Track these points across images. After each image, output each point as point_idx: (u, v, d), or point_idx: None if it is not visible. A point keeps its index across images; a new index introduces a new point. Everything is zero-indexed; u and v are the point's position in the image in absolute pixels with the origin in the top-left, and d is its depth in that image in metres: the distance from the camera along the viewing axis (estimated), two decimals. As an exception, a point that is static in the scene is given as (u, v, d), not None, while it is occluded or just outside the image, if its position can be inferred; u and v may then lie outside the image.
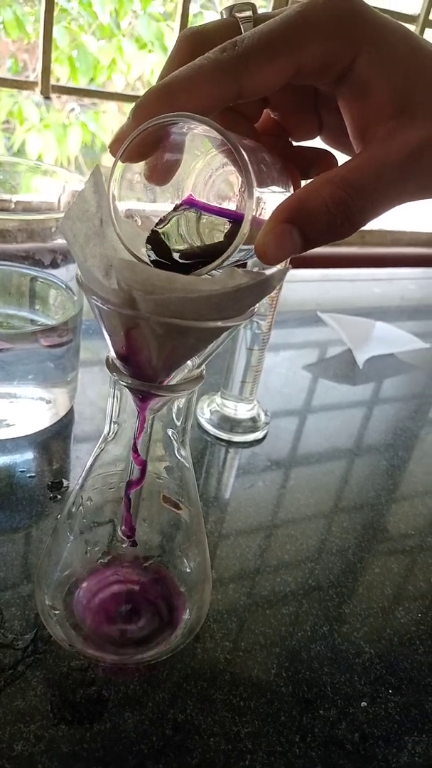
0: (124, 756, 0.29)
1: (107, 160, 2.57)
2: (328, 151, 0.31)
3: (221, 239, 0.26)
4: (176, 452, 0.31)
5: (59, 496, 0.43)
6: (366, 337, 0.70)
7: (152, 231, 0.27)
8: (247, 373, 0.50)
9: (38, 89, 0.66)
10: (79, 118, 2.19)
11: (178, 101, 0.24)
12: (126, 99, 1.06)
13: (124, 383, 0.27)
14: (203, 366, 0.28)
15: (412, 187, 0.25)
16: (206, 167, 0.28)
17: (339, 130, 0.28)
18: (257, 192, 0.23)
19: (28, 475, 0.44)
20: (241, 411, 0.52)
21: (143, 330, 0.24)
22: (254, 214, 0.23)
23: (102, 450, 0.31)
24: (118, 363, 0.27)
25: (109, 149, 0.26)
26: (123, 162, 0.24)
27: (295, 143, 0.31)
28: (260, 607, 0.38)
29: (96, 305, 0.24)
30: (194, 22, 0.99)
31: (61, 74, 2.08)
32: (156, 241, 0.26)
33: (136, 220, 0.26)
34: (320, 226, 0.24)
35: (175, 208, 0.27)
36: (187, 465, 0.32)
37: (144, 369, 0.26)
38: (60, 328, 0.46)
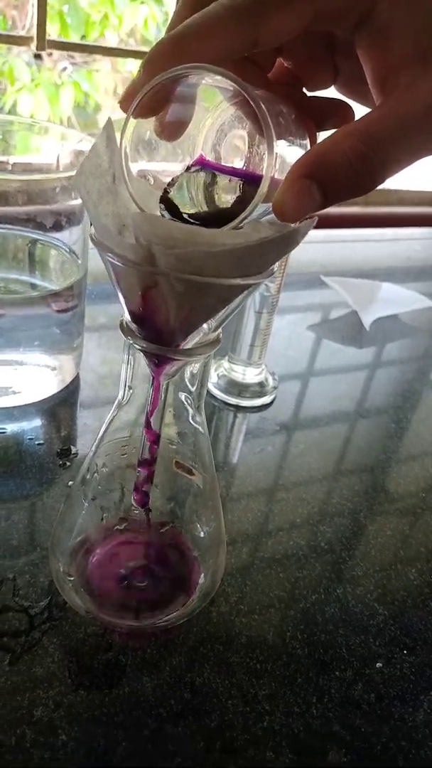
0: (144, 720, 0.29)
1: (101, 119, 2.51)
2: (344, 102, 0.29)
3: (231, 202, 0.25)
4: (191, 418, 0.31)
5: (68, 463, 0.42)
6: (371, 299, 0.69)
7: (164, 191, 0.25)
8: (255, 337, 0.49)
9: (33, 45, 0.64)
10: (71, 77, 2.13)
11: (191, 52, 0.22)
12: (122, 54, 1.03)
13: (139, 347, 0.26)
14: (219, 329, 0.27)
15: None
16: (217, 121, 0.27)
17: (355, 79, 0.27)
18: (276, 147, 0.22)
19: (36, 442, 0.44)
20: (250, 375, 0.52)
21: (162, 288, 0.23)
22: (274, 173, 0.22)
23: (115, 416, 0.31)
24: (132, 326, 0.26)
25: (119, 105, 0.24)
26: (135, 118, 0.23)
27: (309, 93, 0.30)
28: (273, 570, 0.38)
29: (112, 263, 0.23)
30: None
31: (51, 30, 2.01)
32: (169, 201, 0.25)
33: (148, 179, 0.25)
34: (341, 181, 0.23)
35: (187, 169, 0.26)
36: (202, 430, 0.32)
37: (160, 331, 0.25)
38: (65, 293, 0.44)
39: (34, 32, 0.65)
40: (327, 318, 0.69)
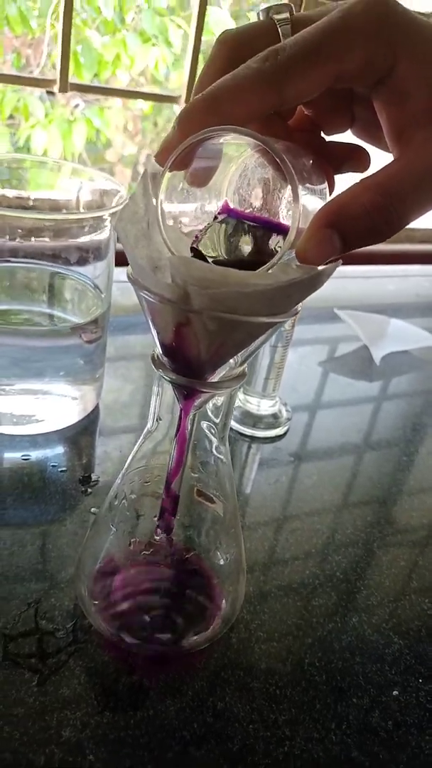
0: (168, 742, 0.30)
1: (111, 155, 2.56)
2: (361, 147, 0.31)
3: (248, 252, 0.27)
4: (214, 449, 0.32)
5: (90, 490, 0.44)
6: (381, 334, 0.70)
7: (194, 241, 0.27)
8: (270, 370, 0.51)
9: (56, 87, 0.67)
10: (84, 114, 2.19)
11: (222, 111, 0.24)
12: (138, 96, 1.06)
13: (168, 379, 0.28)
14: (245, 364, 0.29)
15: None
16: (241, 167, 0.29)
17: (371, 125, 0.29)
18: (301, 200, 0.24)
19: (59, 469, 0.45)
20: (264, 407, 0.53)
21: (194, 325, 0.24)
22: (299, 224, 0.24)
23: (143, 444, 0.32)
24: (163, 359, 0.28)
25: (155, 158, 0.26)
26: (170, 171, 0.25)
27: (327, 137, 0.32)
28: (290, 598, 0.39)
29: (147, 300, 0.25)
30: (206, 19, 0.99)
31: (66, 70, 2.07)
32: (197, 251, 0.27)
33: (180, 226, 0.27)
34: (360, 231, 0.25)
35: (214, 218, 0.28)
36: (225, 460, 0.33)
37: (190, 365, 0.27)
38: (90, 326, 0.46)
39: (47, 71, 0.67)
40: (338, 352, 0.71)
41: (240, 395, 0.54)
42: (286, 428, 0.54)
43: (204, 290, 0.23)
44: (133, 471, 0.33)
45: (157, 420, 0.31)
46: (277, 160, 0.23)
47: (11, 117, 2.21)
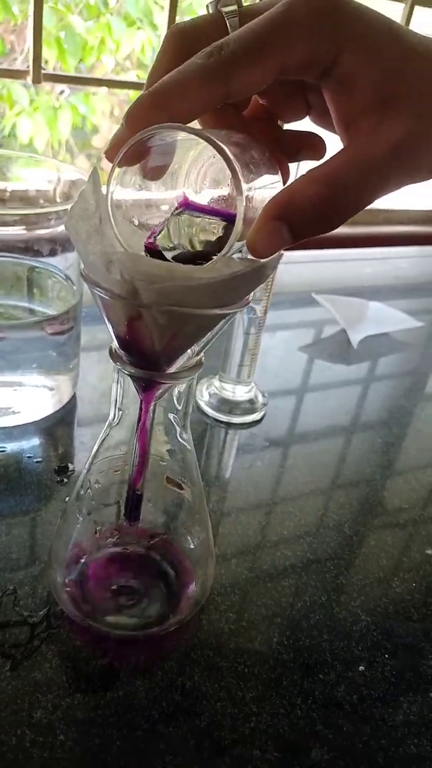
0: (137, 721, 0.31)
1: (97, 141, 2.55)
2: (316, 134, 0.31)
3: (210, 240, 0.28)
4: (178, 436, 0.33)
5: (66, 480, 0.44)
6: (360, 318, 0.71)
7: (149, 239, 0.28)
8: (244, 357, 0.52)
9: (29, 78, 0.66)
10: (68, 101, 2.18)
11: (169, 107, 0.25)
12: (115, 85, 1.06)
13: (126, 372, 0.28)
14: (202, 353, 0.29)
15: (395, 180, 0.26)
16: (198, 158, 0.29)
17: (326, 112, 0.29)
18: (245, 193, 0.24)
19: (35, 460, 0.46)
20: (239, 393, 0.54)
21: (145, 319, 0.25)
22: (243, 215, 0.24)
23: (107, 435, 0.33)
24: (120, 353, 0.28)
25: (105, 155, 0.27)
26: (119, 167, 0.26)
27: (284, 126, 0.32)
28: (262, 580, 0.40)
29: (99, 297, 0.26)
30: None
31: (49, 56, 2.05)
32: (153, 251, 0.28)
33: (133, 220, 0.27)
34: (308, 222, 0.25)
35: (173, 212, 0.28)
36: (189, 447, 0.34)
37: (146, 358, 0.27)
38: (62, 317, 0.47)
39: (31, 58, 0.67)
40: (316, 336, 0.71)
41: (215, 382, 0.55)
42: (262, 413, 0.55)
43: (151, 285, 0.23)
44: (99, 461, 0.33)
45: (118, 410, 0.32)
46: (220, 155, 0.24)
47: (-5, 105, 2.19)
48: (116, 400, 0.31)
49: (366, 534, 0.45)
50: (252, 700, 0.33)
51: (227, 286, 0.23)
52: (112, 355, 0.28)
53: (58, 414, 0.50)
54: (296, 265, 0.81)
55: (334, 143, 0.32)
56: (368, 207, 0.27)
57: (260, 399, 0.55)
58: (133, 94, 2.40)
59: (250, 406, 0.54)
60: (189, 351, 0.28)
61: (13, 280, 0.50)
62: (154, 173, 0.28)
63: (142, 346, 0.27)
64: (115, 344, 0.28)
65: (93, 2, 2.23)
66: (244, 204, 0.24)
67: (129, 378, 0.30)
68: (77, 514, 0.33)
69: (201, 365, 0.29)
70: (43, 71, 0.68)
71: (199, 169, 0.29)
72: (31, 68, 0.67)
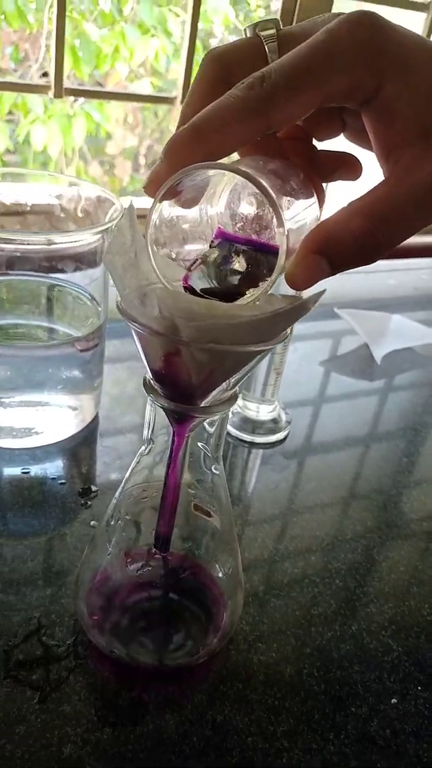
0: (168, 756, 0.31)
1: (111, 148, 2.55)
2: (352, 155, 0.31)
3: (241, 273, 0.27)
4: (210, 467, 0.32)
5: (89, 503, 0.44)
6: (383, 332, 0.70)
7: (187, 272, 0.27)
8: (269, 376, 0.51)
9: (51, 92, 0.66)
10: (83, 108, 2.18)
11: (209, 142, 0.24)
12: (135, 99, 1.06)
13: (160, 405, 0.28)
14: (236, 387, 0.29)
15: None
16: (232, 183, 0.29)
17: (362, 131, 0.28)
18: (287, 226, 0.24)
19: (59, 482, 0.45)
20: (263, 412, 0.53)
21: (183, 355, 0.25)
22: (286, 251, 0.24)
23: (138, 464, 0.32)
24: (155, 385, 0.28)
25: (144, 190, 0.26)
26: (160, 202, 0.25)
27: (318, 145, 0.32)
28: (290, 608, 0.39)
29: (136, 331, 0.25)
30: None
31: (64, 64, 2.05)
32: (190, 288, 0.27)
33: (171, 254, 0.27)
34: (348, 256, 0.25)
35: (210, 245, 0.28)
36: (219, 475, 0.33)
37: (182, 391, 0.27)
38: (87, 337, 0.46)
39: (46, 65, 0.67)
40: (339, 350, 0.71)
41: (239, 401, 0.54)
42: (286, 433, 0.54)
43: (191, 322, 0.23)
44: (129, 489, 0.33)
45: (151, 442, 0.31)
46: (264, 196, 0.23)
47: (10, 113, 2.20)
48: (149, 429, 0.31)
49: (396, 560, 0.44)
50: (283, 734, 0.32)
51: (269, 323, 0.23)
52: (146, 386, 0.28)
53: (81, 434, 0.50)
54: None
55: (369, 162, 0.31)
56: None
57: (284, 418, 0.54)
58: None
59: (274, 425, 0.54)
60: (224, 385, 0.28)
61: (35, 300, 0.50)
62: (190, 202, 0.27)
63: (179, 381, 0.26)
64: (149, 375, 0.28)
65: (107, 10, 2.25)
66: (286, 242, 0.23)
67: (160, 409, 0.30)
68: (106, 544, 0.33)
69: (236, 398, 0.29)
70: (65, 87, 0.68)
71: (231, 196, 0.29)
72: (52, 82, 0.67)
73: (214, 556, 0.35)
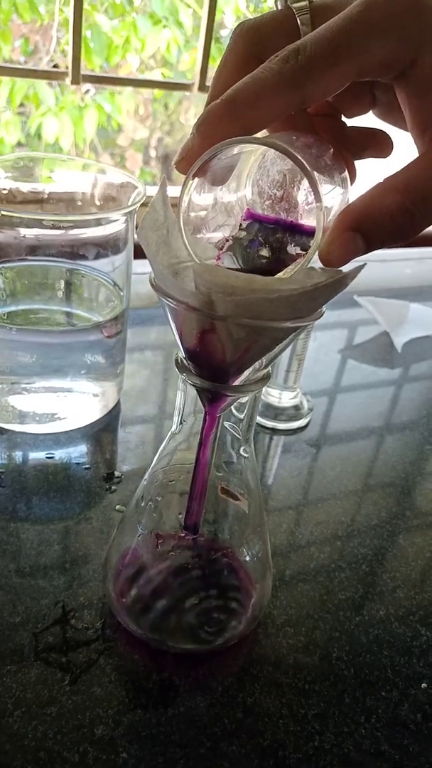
0: (199, 738, 0.31)
1: (122, 140, 2.54)
2: (383, 132, 0.30)
3: (266, 260, 0.27)
4: (240, 450, 0.32)
5: (114, 487, 0.44)
6: (402, 320, 0.70)
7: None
8: (291, 362, 0.51)
9: (68, 79, 0.66)
10: (94, 100, 2.18)
11: (243, 116, 0.24)
12: (152, 85, 1.05)
13: (192, 383, 0.28)
14: (269, 366, 0.29)
15: None
16: (260, 159, 0.29)
17: (393, 108, 0.28)
18: (324, 203, 0.24)
19: (83, 467, 0.45)
20: (285, 399, 0.53)
21: (219, 331, 0.24)
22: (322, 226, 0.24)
23: (168, 445, 0.32)
24: (187, 363, 0.28)
25: (176, 166, 0.26)
26: (193, 179, 0.25)
27: (348, 121, 0.31)
28: (317, 592, 0.39)
29: (170, 307, 0.25)
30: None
31: (76, 56, 2.05)
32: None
33: (201, 233, 0.27)
34: (384, 234, 0.24)
35: (240, 227, 0.28)
36: (249, 457, 0.33)
37: (215, 370, 0.27)
38: (110, 323, 0.46)
39: (57, 57, 0.66)
40: (358, 338, 0.70)
41: (261, 387, 0.54)
42: (308, 419, 0.54)
43: (229, 297, 0.23)
44: (159, 470, 0.33)
45: (181, 422, 0.31)
46: (302, 172, 0.23)
47: (22, 105, 2.20)
48: (180, 410, 0.31)
49: (421, 545, 0.44)
50: (314, 717, 0.32)
51: (308, 297, 0.23)
52: (178, 365, 0.28)
53: (103, 420, 0.50)
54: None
55: (400, 140, 0.31)
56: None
57: (306, 405, 0.54)
58: (158, 92, 2.39)
59: (296, 412, 0.53)
60: (256, 364, 0.28)
61: (57, 285, 0.50)
62: (219, 181, 0.27)
63: (213, 359, 0.26)
64: (181, 354, 0.28)
65: (119, 1, 2.23)
66: (324, 216, 0.23)
67: (192, 389, 0.29)
68: (137, 526, 0.33)
69: (269, 378, 0.29)
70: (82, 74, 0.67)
71: (260, 172, 0.29)
72: (70, 69, 0.67)
73: (243, 540, 0.35)
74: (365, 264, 0.24)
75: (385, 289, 0.78)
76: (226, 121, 0.24)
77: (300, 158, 0.23)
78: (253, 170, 0.29)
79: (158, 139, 2.66)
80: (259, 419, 0.52)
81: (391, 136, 0.31)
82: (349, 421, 0.56)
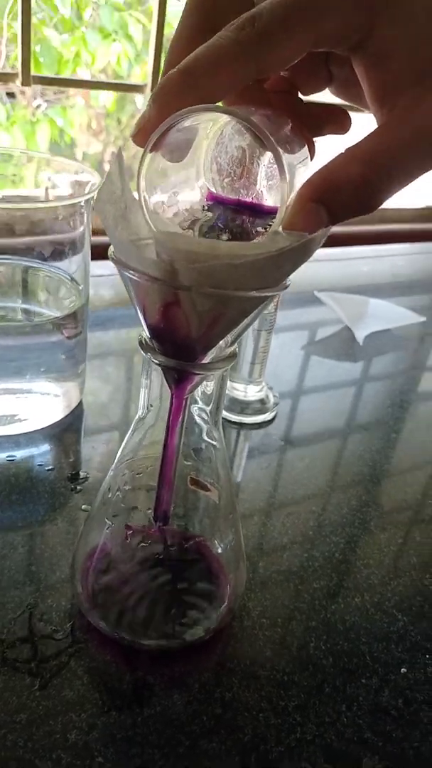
0: (177, 737, 0.29)
1: (76, 154, 2.52)
2: (341, 108, 0.30)
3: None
4: (206, 434, 0.31)
5: (79, 487, 0.43)
6: (362, 314, 0.70)
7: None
8: (255, 355, 0.50)
9: (18, 81, 0.65)
10: (46, 114, 2.16)
11: (200, 86, 0.23)
12: (105, 87, 1.05)
13: (158, 362, 0.27)
14: (235, 344, 0.28)
15: None
16: (217, 135, 0.28)
17: (349, 83, 0.28)
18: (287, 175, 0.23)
19: (46, 468, 0.44)
20: (251, 393, 0.52)
21: (183, 304, 0.23)
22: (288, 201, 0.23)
23: (133, 435, 0.31)
24: (152, 343, 0.27)
25: (132, 139, 0.25)
26: (150, 152, 0.24)
27: (305, 98, 0.31)
28: (292, 582, 0.38)
29: (132, 280, 0.24)
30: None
31: (25, 69, 2.03)
32: None
33: (163, 208, 0.26)
34: (347, 204, 0.24)
35: (202, 209, 0.27)
36: (218, 446, 0.32)
37: (181, 347, 0.26)
38: (69, 320, 0.45)
39: (20, 60, 0.65)
40: (320, 335, 0.70)
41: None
42: (274, 413, 0.53)
43: (192, 265, 0.22)
44: (125, 462, 0.32)
45: (148, 407, 0.30)
46: (265, 142, 0.22)
47: (-30, 120, 2.17)
48: (145, 396, 0.30)
49: (392, 532, 0.44)
50: (295, 709, 0.31)
51: (273, 263, 0.22)
52: (142, 345, 0.27)
53: (66, 420, 0.48)
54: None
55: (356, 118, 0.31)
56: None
57: (272, 398, 0.54)
58: (111, 106, 2.39)
59: (262, 406, 0.53)
60: (222, 342, 0.27)
61: (15, 283, 0.48)
62: (178, 154, 0.26)
63: (177, 335, 0.25)
64: (145, 334, 0.27)
65: (67, 16, 2.23)
66: (288, 191, 0.23)
67: (158, 373, 0.28)
68: (105, 519, 0.32)
69: (235, 356, 0.28)
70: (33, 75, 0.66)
71: (218, 149, 0.28)
72: (20, 71, 0.66)
73: (215, 530, 0.34)
74: (330, 228, 0.23)
75: (343, 287, 0.79)
76: (183, 91, 0.23)
77: (260, 126, 0.23)
78: (211, 148, 0.28)
79: (112, 153, 2.66)
80: (225, 414, 0.51)
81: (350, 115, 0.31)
82: (316, 414, 0.56)
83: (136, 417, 0.31)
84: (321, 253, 0.79)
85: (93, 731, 0.29)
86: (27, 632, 0.33)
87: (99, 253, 0.37)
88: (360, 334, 0.66)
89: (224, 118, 0.27)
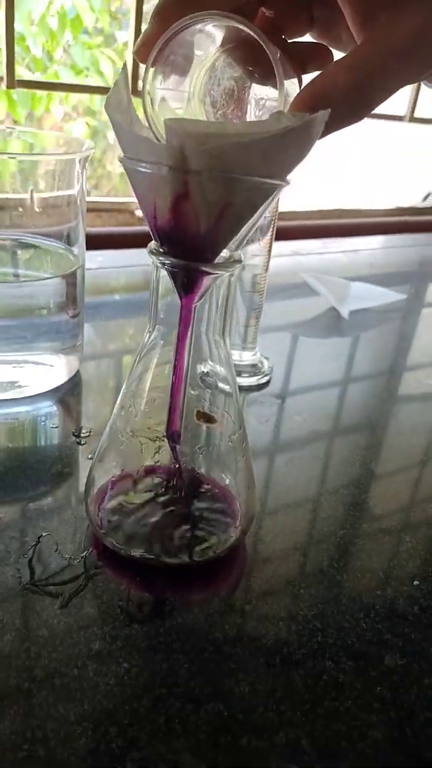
0: (201, 644, 0.29)
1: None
2: (323, 45, 0.32)
3: None
4: (216, 343, 0.32)
5: (84, 441, 0.43)
6: (345, 296, 0.72)
7: None
8: (249, 317, 0.51)
9: (3, 84, 0.67)
10: (20, 138, 2.20)
11: (198, 1, 0.25)
12: (87, 90, 1.10)
13: (168, 262, 0.28)
14: (239, 250, 0.29)
15: (419, 69, 0.27)
16: (210, 68, 0.30)
17: (330, 25, 0.30)
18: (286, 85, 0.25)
19: (51, 426, 0.44)
20: (246, 357, 0.53)
21: (193, 195, 0.25)
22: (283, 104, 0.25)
23: (143, 348, 0.32)
24: (162, 249, 0.28)
25: (135, 55, 0.27)
26: (152, 66, 0.26)
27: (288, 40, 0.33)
28: (302, 511, 0.39)
29: (144, 178, 0.25)
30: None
31: (-1, 108, 2.08)
32: None
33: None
34: (340, 111, 0.25)
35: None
36: (225, 358, 0.33)
37: (190, 245, 0.27)
38: (69, 277, 0.46)
39: (4, 64, 0.67)
40: (307, 316, 0.72)
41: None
42: (268, 377, 0.54)
43: (202, 147, 0.23)
44: (138, 380, 0.32)
45: (155, 323, 0.31)
46: (261, 42, 0.24)
47: None
48: (153, 308, 0.31)
49: (392, 469, 0.45)
50: (314, 617, 0.32)
51: (280, 144, 0.23)
52: (152, 250, 0.28)
53: (65, 385, 0.49)
54: (276, 259, 0.81)
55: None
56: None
57: (265, 364, 0.55)
58: (86, 134, 2.43)
59: (256, 370, 0.54)
60: (225, 252, 0.28)
61: (8, 255, 0.49)
62: (180, 69, 0.28)
63: (187, 231, 0.26)
64: (152, 245, 0.28)
65: (39, 56, 2.29)
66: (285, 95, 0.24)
67: (165, 281, 0.29)
68: (119, 436, 0.32)
69: (241, 261, 0.29)
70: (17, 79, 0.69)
71: (211, 81, 0.30)
72: (5, 75, 0.68)
73: (226, 456, 0.34)
74: (330, 110, 0.25)
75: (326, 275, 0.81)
76: (183, 5, 0.25)
77: (258, 30, 0.24)
78: (204, 79, 0.30)
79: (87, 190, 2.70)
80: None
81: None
82: (310, 375, 0.57)
83: (146, 329, 0.32)
84: (302, 247, 0.81)
85: (116, 642, 0.29)
86: (44, 559, 0.33)
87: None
88: (345, 310, 0.68)
89: (213, 48, 0.29)
